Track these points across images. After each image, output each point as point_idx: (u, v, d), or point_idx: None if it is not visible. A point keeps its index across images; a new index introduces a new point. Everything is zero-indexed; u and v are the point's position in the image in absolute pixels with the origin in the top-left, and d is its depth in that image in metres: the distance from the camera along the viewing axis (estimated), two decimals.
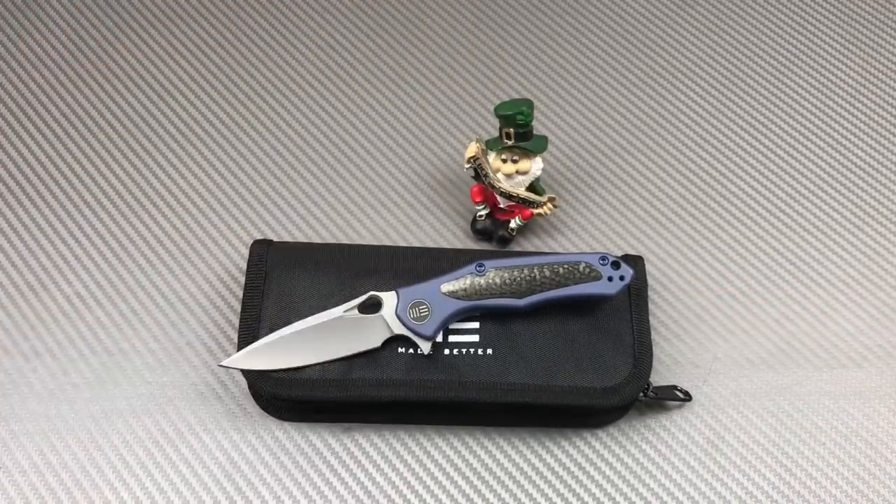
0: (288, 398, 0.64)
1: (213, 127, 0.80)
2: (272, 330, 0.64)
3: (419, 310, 0.63)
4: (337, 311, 0.64)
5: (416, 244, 0.74)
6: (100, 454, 0.64)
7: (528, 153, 0.71)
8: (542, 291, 0.64)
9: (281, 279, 0.67)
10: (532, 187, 0.72)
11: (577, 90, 0.83)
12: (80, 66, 0.83)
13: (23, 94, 0.81)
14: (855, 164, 0.79)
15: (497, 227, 0.73)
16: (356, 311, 0.64)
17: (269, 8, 0.87)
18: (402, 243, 0.74)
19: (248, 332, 0.65)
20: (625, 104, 0.83)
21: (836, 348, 0.70)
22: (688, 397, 0.66)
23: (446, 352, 0.65)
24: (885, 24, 0.88)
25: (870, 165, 0.79)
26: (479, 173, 0.71)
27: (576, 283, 0.65)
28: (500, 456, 0.65)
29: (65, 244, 0.73)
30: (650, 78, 0.84)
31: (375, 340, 0.64)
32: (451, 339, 0.65)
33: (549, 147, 0.75)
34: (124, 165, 0.77)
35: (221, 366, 0.64)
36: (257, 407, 0.66)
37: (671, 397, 0.66)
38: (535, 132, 0.71)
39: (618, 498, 0.64)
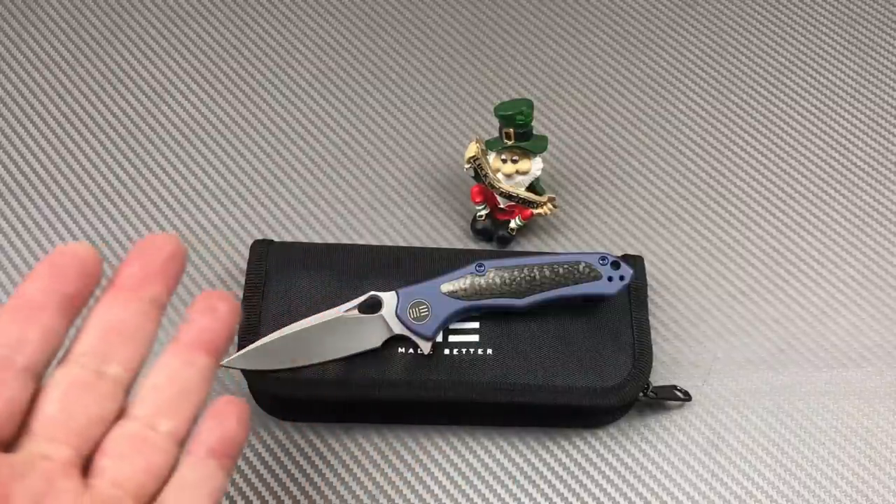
0: (288, 398, 0.64)
1: (213, 127, 0.80)
2: (272, 330, 0.64)
3: (419, 310, 0.63)
4: (337, 311, 0.64)
5: (416, 244, 0.74)
6: None
7: (528, 153, 0.70)
8: (541, 291, 0.64)
9: (281, 279, 0.67)
10: (532, 187, 0.72)
11: (577, 90, 0.83)
12: (79, 66, 0.83)
13: (22, 93, 0.81)
14: (855, 164, 0.79)
15: (497, 227, 0.73)
16: (356, 311, 0.64)
17: (269, 8, 0.87)
18: (402, 243, 0.74)
19: (248, 332, 0.65)
20: (625, 104, 0.83)
21: (835, 348, 0.70)
22: (688, 397, 0.66)
23: (446, 352, 0.65)
24: (885, 24, 0.88)
25: (870, 165, 0.79)
26: (479, 173, 0.71)
27: (575, 283, 0.65)
28: (500, 456, 0.65)
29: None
30: (650, 78, 0.84)
31: (375, 340, 0.64)
32: (451, 339, 0.65)
33: (549, 147, 0.75)
34: (124, 165, 0.77)
35: (222, 365, 0.63)
36: (257, 407, 0.66)
37: (671, 397, 0.66)
38: (535, 132, 0.71)
39: (618, 498, 0.64)
